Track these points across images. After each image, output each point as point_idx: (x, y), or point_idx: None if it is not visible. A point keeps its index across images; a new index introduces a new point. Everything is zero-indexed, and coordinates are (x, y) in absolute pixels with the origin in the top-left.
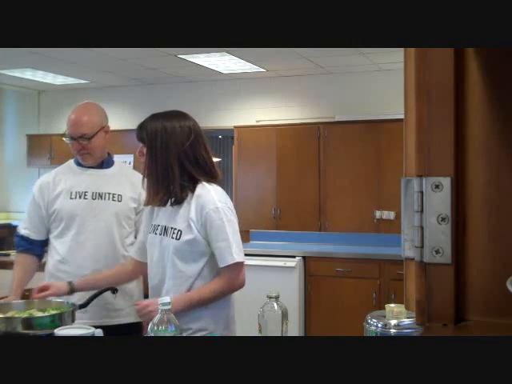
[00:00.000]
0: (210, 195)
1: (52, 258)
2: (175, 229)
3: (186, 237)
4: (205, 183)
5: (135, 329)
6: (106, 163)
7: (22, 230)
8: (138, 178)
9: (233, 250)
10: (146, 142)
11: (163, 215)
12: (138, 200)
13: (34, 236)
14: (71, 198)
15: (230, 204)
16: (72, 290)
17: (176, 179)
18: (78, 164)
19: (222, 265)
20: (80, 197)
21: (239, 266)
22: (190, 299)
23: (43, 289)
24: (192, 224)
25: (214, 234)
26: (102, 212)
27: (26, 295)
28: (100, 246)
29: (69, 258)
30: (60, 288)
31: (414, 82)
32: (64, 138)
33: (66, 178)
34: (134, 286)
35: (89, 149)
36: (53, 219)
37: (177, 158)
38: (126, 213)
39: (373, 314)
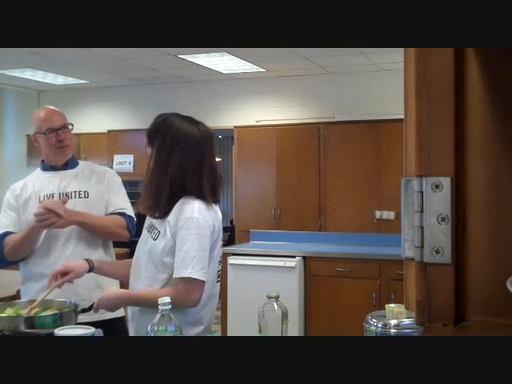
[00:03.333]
0: (191, 205)
1: (25, 261)
2: (156, 229)
3: (160, 239)
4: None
5: (115, 324)
6: (70, 164)
7: (1, 230)
8: (102, 171)
9: (190, 264)
10: (155, 146)
11: None
12: (105, 193)
13: (13, 230)
14: (40, 202)
15: (212, 219)
16: (91, 269)
17: (164, 196)
18: (44, 169)
19: (175, 275)
20: (48, 199)
21: (195, 282)
22: (128, 296)
23: (64, 273)
24: (168, 228)
25: (177, 243)
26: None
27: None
28: (72, 245)
29: (41, 260)
30: (81, 268)
31: (414, 82)
32: (41, 135)
33: (34, 183)
34: (111, 283)
35: (70, 139)
36: (25, 222)
37: (170, 174)
38: (94, 208)
39: (373, 314)
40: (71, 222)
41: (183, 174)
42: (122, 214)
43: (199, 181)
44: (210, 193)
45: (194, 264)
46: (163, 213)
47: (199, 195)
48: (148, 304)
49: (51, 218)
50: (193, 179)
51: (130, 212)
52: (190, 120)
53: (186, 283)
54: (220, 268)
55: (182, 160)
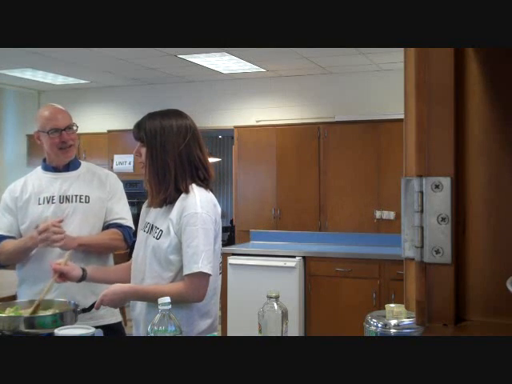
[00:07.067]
0: (193, 200)
1: (21, 264)
2: (158, 228)
3: (164, 238)
4: (194, 186)
5: (112, 329)
6: (72, 165)
7: None
8: (105, 175)
9: (199, 258)
10: (145, 142)
11: (154, 213)
12: (106, 199)
13: (8, 234)
14: (39, 204)
15: (214, 214)
16: (83, 278)
17: (172, 180)
18: (46, 169)
19: (186, 272)
20: (48, 202)
21: (203, 277)
22: (135, 291)
23: (60, 274)
24: (171, 226)
25: (184, 239)
26: (70, 215)
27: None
28: (69, 249)
29: (38, 264)
30: (75, 275)
31: (414, 82)
32: (45, 134)
33: (34, 183)
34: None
35: (74, 140)
36: (23, 225)
37: (173, 158)
38: (94, 213)
39: (373, 314)
40: (71, 247)
41: (179, 155)
42: (120, 226)
43: (193, 161)
44: (203, 178)
45: (202, 258)
46: (173, 198)
47: (195, 176)
48: (156, 299)
49: (56, 235)
50: (186, 162)
51: (128, 222)
52: (169, 113)
53: (194, 278)
54: (221, 260)
55: (170, 145)
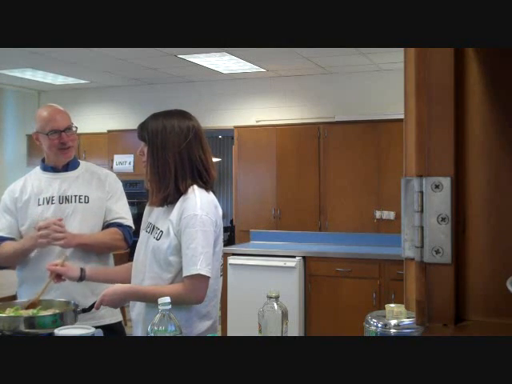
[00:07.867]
0: (193, 201)
1: (22, 264)
2: (158, 229)
3: (164, 239)
4: (195, 187)
5: (113, 329)
6: (71, 165)
7: None
8: (104, 175)
9: (198, 260)
10: (147, 141)
11: (156, 214)
12: (105, 199)
13: (8, 235)
14: (39, 205)
15: (214, 215)
16: (82, 278)
17: (172, 179)
18: (45, 169)
19: (185, 274)
20: (48, 202)
21: (202, 279)
22: (135, 291)
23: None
24: (170, 227)
25: (184, 241)
26: (69, 215)
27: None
28: (69, 249)
29: (37, 264)
30: (72, 273)
31: (414, 82)
32: (44, 135)
33: (34, 184)
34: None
35: (73, 141)
36: (23, 226)
37: (174, 157)
38: (94, 213)
39: (373, 314)
40: (71, 245)
41: (179, 155)
42: (120, 225)
43: (194, 161)
44: (204, 179)
45: (201, 261)
46: (173, 198)
47: (196, 177)
48: (155, 300)
49: (57, 233)
50: (187, 161)
51: (129, 221)
52: (173, 113)
53: (193, 280)
54: (222, 262)
55: (171, 144)
